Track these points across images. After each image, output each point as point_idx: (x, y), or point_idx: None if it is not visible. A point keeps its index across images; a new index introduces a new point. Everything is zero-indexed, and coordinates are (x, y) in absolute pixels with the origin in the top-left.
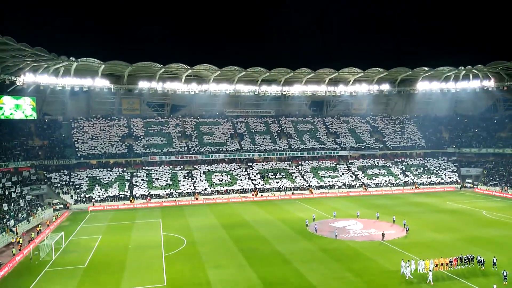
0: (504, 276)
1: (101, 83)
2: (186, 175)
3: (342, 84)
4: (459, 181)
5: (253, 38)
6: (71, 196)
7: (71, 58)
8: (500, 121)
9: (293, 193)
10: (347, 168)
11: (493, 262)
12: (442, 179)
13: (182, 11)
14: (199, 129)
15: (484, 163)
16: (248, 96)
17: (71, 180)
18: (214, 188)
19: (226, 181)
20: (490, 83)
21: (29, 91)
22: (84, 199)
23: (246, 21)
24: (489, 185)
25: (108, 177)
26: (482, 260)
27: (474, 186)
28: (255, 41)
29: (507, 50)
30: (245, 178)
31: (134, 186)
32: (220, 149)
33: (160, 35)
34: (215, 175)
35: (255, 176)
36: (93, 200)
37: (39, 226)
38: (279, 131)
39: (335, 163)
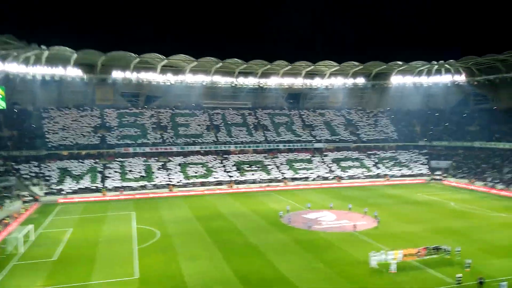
0: (467, 264)
1: (73, 72)
2: (160, 167)
3: (318, 77)
4: (429, 173)
5: (253, 38)
6: (41, 188)
7: (42, 46)
8: (470, 115)
9: (268, 185)
10: (322, 161)
11: (456, 251)
12: (412, 171)
13: (181, 11)
14: (174, 121)
15: (453, 156)
16: (225, 87)
17: (41, 171)
18: (189, 180)
19: (202, 173)
20: (461, 78)
21: None
22: (54, 191)
23: (246, 21)
24: (457, 177)
25: (80, 169)
26: (448, 249)
27: (443, 179)
28: (254, 41)
29: (478, 46)
30: (221, 170)
31: (107, 178)
32: (196, 141)
33: (159, 35)
34: (190, 167)
35: (230, 168)
36: (63, 192)
37: (7, 218)
38: (255, 123)
39: (310, 156)
